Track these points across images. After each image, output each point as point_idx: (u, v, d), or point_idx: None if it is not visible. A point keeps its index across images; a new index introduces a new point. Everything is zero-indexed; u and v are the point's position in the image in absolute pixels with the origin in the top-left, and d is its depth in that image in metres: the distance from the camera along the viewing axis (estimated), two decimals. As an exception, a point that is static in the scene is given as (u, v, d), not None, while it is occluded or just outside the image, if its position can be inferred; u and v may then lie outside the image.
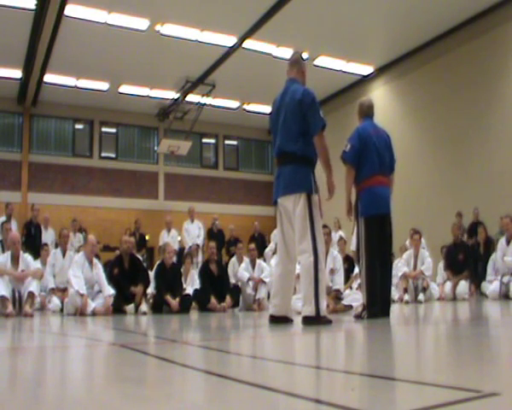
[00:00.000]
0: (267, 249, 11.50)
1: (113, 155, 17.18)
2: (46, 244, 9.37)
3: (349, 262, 8.82)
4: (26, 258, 7.00)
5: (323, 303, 4.13)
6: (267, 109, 15.28)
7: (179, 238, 13.31)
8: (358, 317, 4.83)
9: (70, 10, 10.77)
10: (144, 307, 7.17)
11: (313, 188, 4.26)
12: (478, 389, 1.46)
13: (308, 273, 4.10)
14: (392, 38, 12.95)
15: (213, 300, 7.69)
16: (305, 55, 12.57)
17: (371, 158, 5.03)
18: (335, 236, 10.34)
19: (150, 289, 8.00)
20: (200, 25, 11.85)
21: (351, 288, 8.02)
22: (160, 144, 16.35)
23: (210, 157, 18.88)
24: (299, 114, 4.29)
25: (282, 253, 4.44)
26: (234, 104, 16.77)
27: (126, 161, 17.23)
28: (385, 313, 4.84)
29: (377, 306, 4.75)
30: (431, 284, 8.89)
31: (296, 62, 4.64)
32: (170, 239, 11.66)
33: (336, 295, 6.48)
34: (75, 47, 12.52)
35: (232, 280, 8.52)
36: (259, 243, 11.89)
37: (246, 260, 8.56)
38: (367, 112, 5.43)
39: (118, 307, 6.97)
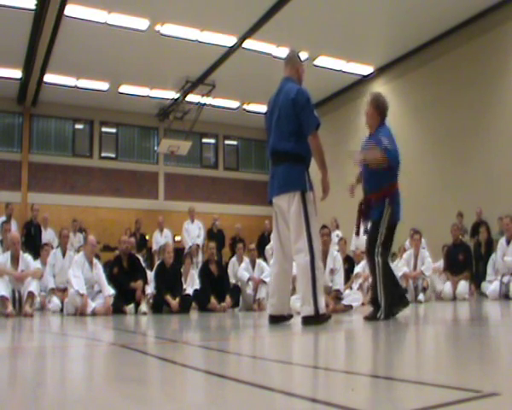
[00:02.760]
0: (268, 247, 11.49)
1: (113, 155, 17.18)
2: (46, 244, 9.35)
3: (349, 262, 8.83)
4: (26, 258, 7.00)
5: (322, 301, 4.12)
6: (267, 109, 15.27)
7: (179, 238, 13.31)
8: (372, 318, 4.54)
9: (70, 10, 10.77)
10: (144, 307, 7.17)
11: (307, 186, 4.25)
12: (478, 389, 1.46)
13: (305, 273, 4.10)
14: (392, 38, 12.95)
15: (213, 300, 7.69)
16: (305, 55, 12.59)
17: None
18: (334, 236, 10.33)
19: (150, 289, 8.00)
20: (200, 25, 11.84)
21: (351, 288, 8.03)
22: (160, 144, 16.36)
23: (210, 157, 18.89)
24: (293, 113, 4.29)
25: (278, 252, 4.44)
26: (234, 104, 16.77)
27: (126, 161, 17.23)
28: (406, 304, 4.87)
29: (395, 306, 4.65)
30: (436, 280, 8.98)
31: (290, 61, 4.64)
32: (163, 239, 11.65)
33: (336, 295, 6.48)
34: (75, 47, 12.52)
35: (232, 280, 8.52)
36: (267, 243, 11.91)
37: (246, 260, 8.56)
38: (386, 114, 4.95)
39: (118, 308, 6.97)
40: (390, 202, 4.74)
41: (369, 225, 4.85)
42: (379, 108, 4.89)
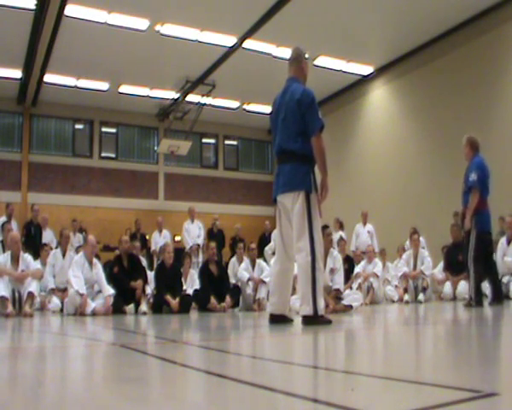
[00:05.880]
0: (267, 248, 11.51)
1: (113, 155, 17.17)
2: (46, 244, 9.35)
3: (349, 262, 8.83)
4: (26, 258, 7.00)
5: (321, 303, 4.12)
6: (267, 109, 15.29)
7: (179, 238, 13.31)
8: (468, 305, 6.43)
9: (70, 10, 10.76)
10: (144, 307, 7.17)
11: (312, 187, 4.26)
12: (478, 389, 1.46)
13: (305, 273, 4.10)
14: (392, 38, 12.95)
15: (213, 300, 7.69)
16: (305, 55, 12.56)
17: None
18: (336, 236, 10.35)
19: (150, 289, 8.00)
20: (200, 25, 11.84)
21: (351, 288, 8.03)
22: (160, 144, 16.35)
23: (210, 157, 18.88)
24: (298, 113, 4.30)
25: (280, 251, 4.44)
26: (234, 104, 16.76)
27: (126, 161, 17.23)
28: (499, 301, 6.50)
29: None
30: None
31: (294, 60, 4.65)
32: (162, 240, 11.64)
33: (336, 295, 6.48)
34: (75, 47, 12.51)
35: (232, 280, 8.51)
36: (267, 243, 11.93)
37: (246, 260, 8.55)
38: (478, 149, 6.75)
39: (118, 307, 6.97)
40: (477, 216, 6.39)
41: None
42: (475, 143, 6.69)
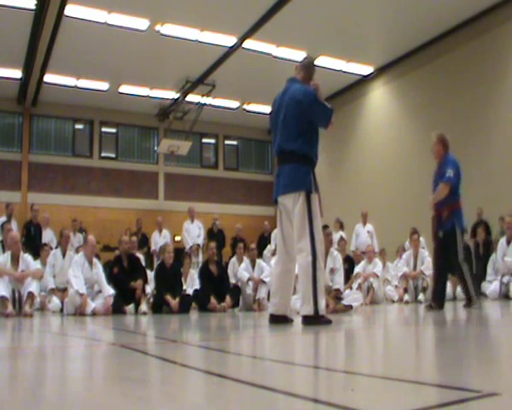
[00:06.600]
0: (265, 251, 11.49)
1: (113, 155, 17.18)
2: (46, 244, 9.35)
3: (349, 262, 8.84)
4: (26, 258, 7.00)
5: (322, 302, 4.12)
6: (267, 109, 15.28)
7: (179, 238, 13.31)
8: (468, 306, 6.14)
9: (70, 10, 10.77)
10: (144, 307, 7.16)
11: (313, 187, 4.26)
12: (478, 389, 1.46)
13: (306, 272, 4.10)
14: (392, 38, 12.95)
15: (213, 300, 7.68)
16: (304, 56, 12.57)
17: None
18: (336, 236, 10.35)
19: (150, 289, 8.00)
20: (200, 25, 11.84)
21: (351, 288, 8.03)
22: (159, 144, 16.36)
23: (210, 157, 18.89)
24: (299, 113, 4.31)
25: (281, 251, 4.44)
26: (234, 104, 16.77)
27: (126, 161, 17.23)
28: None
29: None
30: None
31: (305, 66, 4.68)
32: (162, 240, 11.64)
33: (336, 295, 6.48)
34: (75, 47, 12.52)
35: (232, 280, 8.51)
36: (267, 243, 11.92)
37: (246, 260, 8.55)
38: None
39: (118, 307, 6.97)
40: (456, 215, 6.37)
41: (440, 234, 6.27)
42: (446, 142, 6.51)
